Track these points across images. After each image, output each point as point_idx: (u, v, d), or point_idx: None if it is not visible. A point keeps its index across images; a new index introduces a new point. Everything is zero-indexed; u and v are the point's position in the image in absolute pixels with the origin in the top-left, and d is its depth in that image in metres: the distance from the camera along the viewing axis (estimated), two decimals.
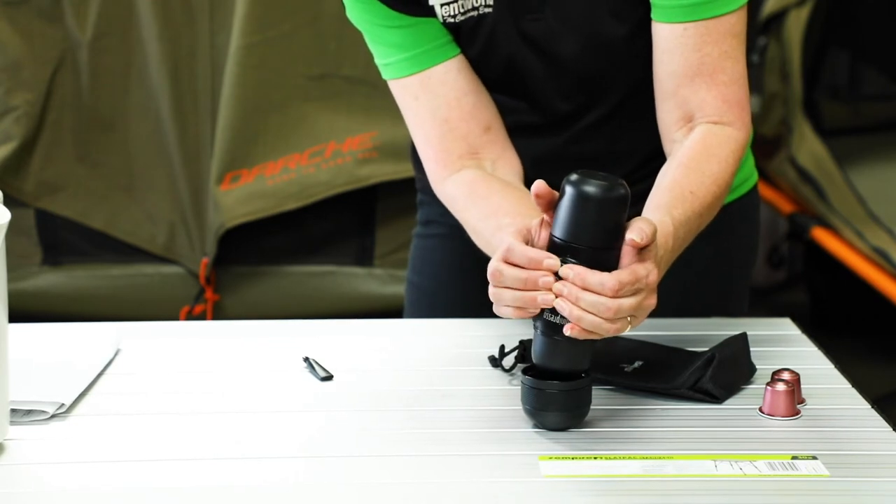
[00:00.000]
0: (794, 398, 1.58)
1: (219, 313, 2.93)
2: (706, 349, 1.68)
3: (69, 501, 1.39)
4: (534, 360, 1.51)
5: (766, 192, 3.54)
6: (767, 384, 1.59)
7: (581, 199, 1.45)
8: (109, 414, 1.59)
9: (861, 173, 3.58)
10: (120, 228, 2.94)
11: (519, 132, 1.84)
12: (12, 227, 1.43)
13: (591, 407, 1.54)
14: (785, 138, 3.61)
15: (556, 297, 1.45)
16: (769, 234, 3.96)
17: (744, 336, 1.72)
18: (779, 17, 3.62)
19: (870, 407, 1.61)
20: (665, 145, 1.77)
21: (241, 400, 1.64)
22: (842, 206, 3.43)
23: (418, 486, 1.42)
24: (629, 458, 1.46)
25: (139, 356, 1.77)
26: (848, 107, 3.94)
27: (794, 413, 1.57)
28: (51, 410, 1.56)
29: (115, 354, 1.76)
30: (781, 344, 1.82)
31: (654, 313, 1.52)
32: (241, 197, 2.85)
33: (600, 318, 1.44)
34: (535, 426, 1.53)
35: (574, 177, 1.46)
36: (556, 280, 1.45)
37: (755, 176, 1.98)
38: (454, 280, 1.99)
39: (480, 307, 1.76)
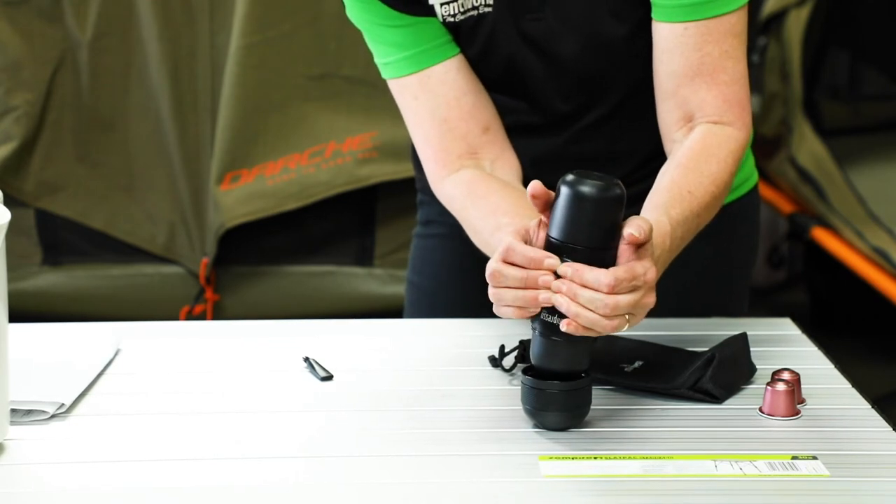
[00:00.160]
0: (794, 398, 1.58)
1: (219, 313, 2.93)
2: (706, 349, 1.68)
3: (69, 501, 1.39)
4: (532, 360, 1.52)
5: (766, 192, 3.54)
6: (767, 384, 1.59)
7: (577, 200, 1.45)
8: (109, 414, 1.59)
9: (861, 173, 3.58)
10: (120, 228, 2.94)
11: (519, 132, 1.84)
12: (12, 227, 1.43)
13: (591, 407, 1.54)
14: (785, 138, 3.61)
15: (555, 293, 1.45)
16: (769, 234, 3.95)
17: (744, 336, 1.72)
18: (779, 17, 3.62)
19: (870, 407, 1.61)
20: (665, 145, 1.77)
21: (241, 400, 1.64)
22: (842, 206, 3.43)
23: (418, 486, 1.42)
24: (629, 458, 1.46)
25: (139, 356, 1.77)
26: (848, 107, 3.94)
27: (794, 413, 1.57)
28: (51, 410, 1.56)
29: (115, 354, 1.76)
30: (781, 344, 1.82)
31: (654, 313, 1.52)
32: (241, 197, 2.85)
33: (597, 314, 1.44)
34: (535, 426, 1.53)
35: (570, 177, 1.46)
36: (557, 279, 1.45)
37: (755, 176, 1.98)
38: (454, 280, 1.99)
39: (480, 307, 1.76)
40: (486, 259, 1.55)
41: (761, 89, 3.63)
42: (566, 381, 1.51)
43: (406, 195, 2.51)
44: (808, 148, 3.56)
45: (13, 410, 1.53)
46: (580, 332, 1.45)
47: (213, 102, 2.87)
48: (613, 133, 1.84)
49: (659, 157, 1.77)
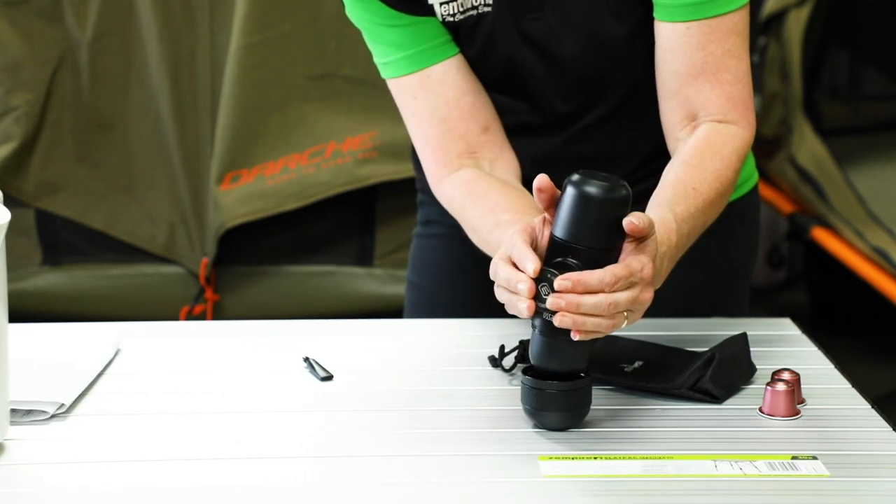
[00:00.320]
0: (794, 398, 1.58)
1: (219, 313, 2.93)
2: (706, 349, 1.68)
3: (69, 501, 1.39)
4: (531, 360, 1.51)
5: (766, 192, 3.54)
6: (767, 384, 1.59)
7: (582, 200, 1.45)
8: (109, 414, 1.59)
9: (861, 173, 3.58)
10: (120, 228, 2.94)
11: (518, 132, 1.84)
12: (12, 227, 1.43)
13: (591, 407, 1.54)
14: (785, 138, 3.61)
15: (556, 310, 1.44)
16: (769, 234, 3.96)
17: (744, 336, 1.72)
18: (779, 17, 3.62)
19: (870, 407, 1.61)
20: (669, 144, 1.77)
21: (241, 400, 1.64)
22: (842, 206, 3.43)
23: (418, 486, 1.42)
24: (629, 458, 1.46)
25: (139, 356, 1.77)
26: (848, 107, 3.94)
27: (794, 413, 1.57)
28: (51, 410, 1.56)
29: (115, 354, 1.76)
30: (781, 344, 1.82)
31: (655, 313, 1.52)
32: (241, 197, 2.85)
33: (598, 316, 1.44)
34: (535, 426, 1.53)
35: (576, 177, 1.46)
36: (537, 281, 1.44)
37: (756, 176, 1.98)
38: (454, 280, 1.99)
39: (480, 307, 1.76)
40: (486, 259, 1.55)
41: (761, 89, 3.63)
42: (566, 381, 1.51)
43: (406, 195, 2.50)
44: (808, 148, 3.56)
45: (13, 410, 1.53)
46: (587, 338, 1.45)
47: (213, 102, 2.87)
48: (613, 133, 1.84)
49: (659, 158, 1.77)
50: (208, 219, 2.89)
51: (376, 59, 1.81)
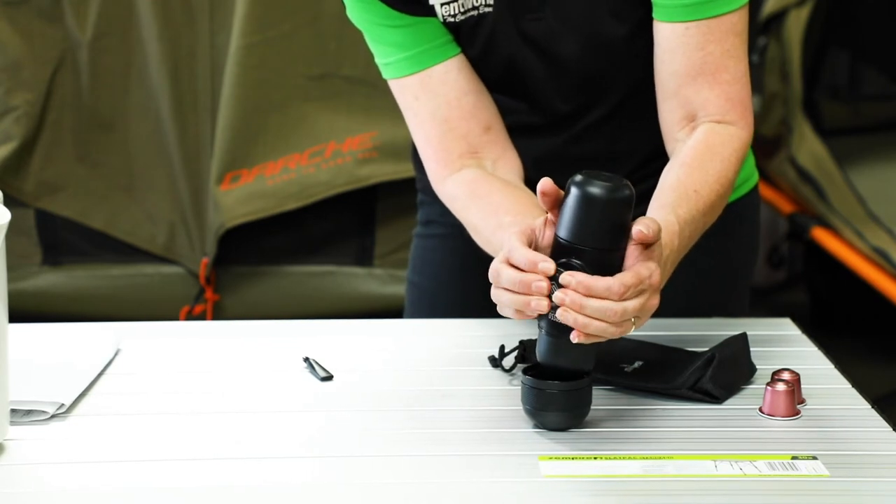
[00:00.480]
0: (794, 398, 1.58)
1: (219, 313, 2.93)
2: (706, 349, 1.68)
3: (69, 501, 1.39)
4: (538, 359, 1.51)
5: (766, 192, 3.54)
6: (767, 384, 1.59)
7: (586, 200, 1.44)
8: (109, 414, 1.59)
9: (861, 173, 3.58)
10: (120, 228, 2.94)
11: (519, 132, 1.84)
12: (12, 227, 1.43)
13: (592, 407, 1.54)
14: (785, 138, 3.61)
15: (559, 305, 1.44)
16: (769, 234, 3.96)
17: (744, 336, 1.72)
18: (779, 17, 3.62)
19: (870, 407, 1.61)
20: (668, 145, 1.77)
21: (241, 400, 1.64)
22: (842, 206, 3.43)
23: (419, 486, 1.42)
24: (629, 458, 1.46)
25: (139, 356, 1.77)
26: (848, 107, 3.94)
27: (794, 413, 1.57)
28: (51, 410, 1.56)
29: (115, 354, 1.76)
30: (781, 344, 1.82)
31: (655, 313, 1.52)
32: (241, 197, 2.85)
33: (606, 322, 1.43)
34: (536, 426, 1.53)
35: (579, 177, 1.45)
36: (552, 282, 1.44)
37: (756, 176, 1.98)
38: (454, 280, 1.99)
39: (481, 307, 1.76)
40: (486, 259, 1.55)
41: (761, 89, 3.63)
42: (566, 381, 1.51)
43: (406, 195, 2.50)
44: (808, 148, 3.56)
45: (13, 410, 1.53)
46: (589, 341, 1.45)
47: (213, 102, 2.87)
48: (613, 133, 1.84)
49: (659, 158, 1.77)
50: (208, 219, 2.89)
51: (378, 60, 1.81)
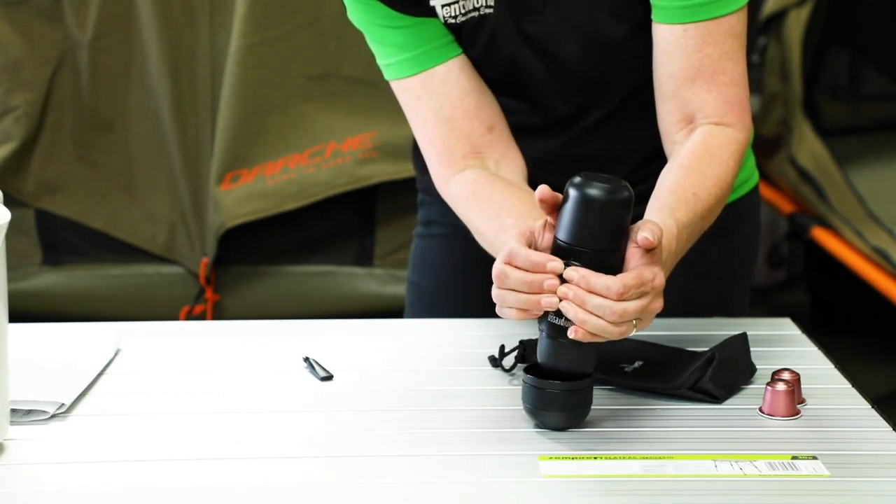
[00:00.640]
0: (794, 398, 1.58)
1: (219, 313, 2.93)
2: (706, 349, 1.68)
3: (69, 501, 1.39)
4: (539, 360, 1.51)
5: (766, 192, 3.54)
6: (767, 384, 1.59)
7: (585, 202, 1.44)
8: (109, 414, 1.59)
9: (861, 173, 3.58)
10: (120, 228, 2.94)
11: (519, 133, 1.83)
12: (12, 227, 1.43)
13: (592, 407, 1.54)
14: (785, 138, 3.61)
15: (561, 300, 1.44)
16: (769, 234, 3.96)
17: (744, 336, 1.72)
18: (779, 17, 3.62)
19: (870, 407, 1.61)
20: (666, 146, 1.77)
21: (241, 400, 1.64)
22: (842, 206, 3.43)
23: (419, 486, 1.42)
24: (629, 458, 1.46)
25: (139, 356, 1.77)
26: (848, 107, 3.94)
27: (794, 413, 1.57)
28: (51, 410, 1.56)
29: (115, 354, 1.76)
30: (781, 344, 1.82)
31: (657, 314, 1.52)
32: (241, 197, 2.85)
33: (605, 321, 1.43)
34: (536, 426, 1.53)
35: (577, 179, 1.45)
36: (561, 283, 1.45)
37: (756, 176, 1.98)
38: (455, 280, 1.99)
39: (481, 307, 1.76)
40: (486, 259, 1.55)
41: (761, 89, 3.63)
42: (567, 381, 1.51)
43: (406, 195, 2.50)
44: (808, 148, 3.56)
45: (13, 410, 1.53)
46: (587, 339, 1.45)
47: (213, 102, 2.87)
48: (613, 134, 1.84)
49: (659, 158, 1.77)
50: (208, 219, 2.89)
51: (379, 61, 1.81)
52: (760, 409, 1.59)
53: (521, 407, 1.54)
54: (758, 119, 3.55)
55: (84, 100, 2.88)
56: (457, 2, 1.74)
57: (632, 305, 1.44)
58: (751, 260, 2.01)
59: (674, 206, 1.60)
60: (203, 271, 2.89)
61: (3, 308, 1.44)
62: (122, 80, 2.88)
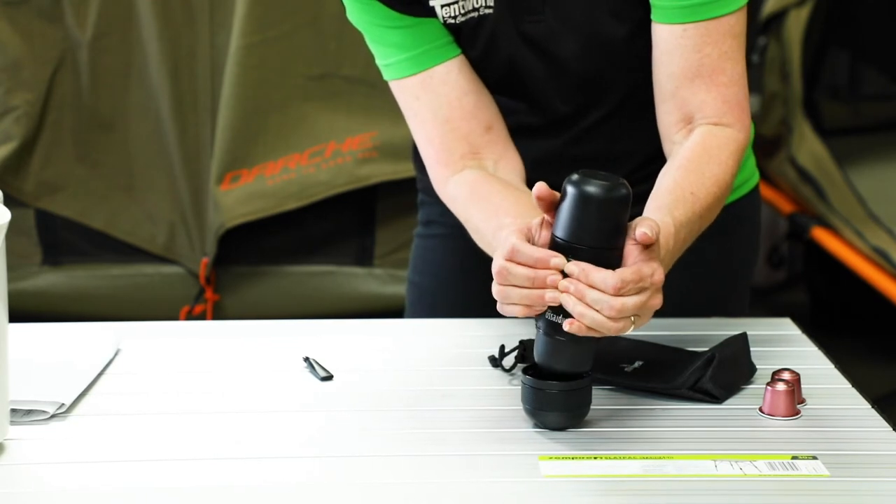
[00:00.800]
0: (794, 398, 1.58)
1: (219, 313, 2.93)
2: (706, 349, 1.68)
3: (69, 501, 1.39)
4: (536, 359, 1.51)
5: (766, 192, 3.53)
6: (767, 384, 1.59)
7: (582, 200, 1.45)
8: (109, 414, 1.59)
9: (861, 173, 3.58)
10: (120, 228, 2.94)
11: (519, 133, 1.83)
12: (12, 227, 1.43)
13: (592, 407, 1.54)
14: (785, 138, 3.61)
15: (563, 292, 1.44)
16: (769, 234, 3.95)
17: (744, 336, 1.72)
18: (779, 17, 3.62)
19: (870, 407, 1.61)
20: (665, 146, 1.77)
21: (241, 400, 1.64)
22: (842, 206, 3.43)
23: (418, 486, 1.42)
24: (629, 458, 1.46)
25: (139, 356, 1.77)
26: (848, 107, 3.94)
27: (794, 413, 1.57)
28: (51, 410, 1.56)
29: (115, 354, 1.76)
30: (781, 344, 1.82)
31: (657, 313, 1.52)
32: (241, 197, 2.85)
33: (603, 315, 1.44)
34: (536, 426, 1.53)
35: (575, 177, 1.46)
36: (564, 278, 1.45)
37: (756, 176, 1.98)
38: (455, 280, 1.99)
39: (481, 307, 1.76)
40: (486, 259, 1.55)
41: (761, 89, 3.63)
42: (566, 381, 1.51)
43: (406, 195, 2.50)
44: (808, 148, 3.56)
45: (13, 410, 1.53)
46: (584, 333, 1.45)
47: (213, 102, 2.87)
48: (613, 134, 1.84)
49: (659, 159, 1.77)
50: (208, 219, 2.89)
51: (378, 61, 1.81)
52: (760, 409, 1.59)
53: (521, 407, 1.54)
54: (758, 119, 3.55)
55: (84, 100, 2.88)
56: (456, 2, 1.74)
57: (630, 301, 1.44)
58: (751, 260, 2.01)
59: (671, 205, 1.60)
60: (203, 271, 2.89)
61: (3, 308, 1.44)
62: (122, 80, 2.88)
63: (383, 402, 1.63)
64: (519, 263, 1.46)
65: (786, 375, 1.60)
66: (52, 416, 1.56)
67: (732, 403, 1.61)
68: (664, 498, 1.39)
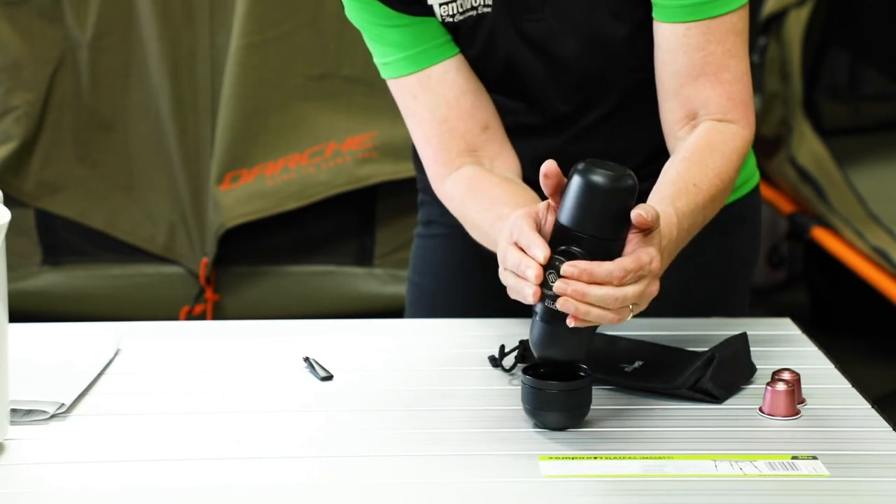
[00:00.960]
0: (794, 398, 1.58)
1: (219, 313, 2.93)
2: (706, 349, 1.68)
3: (69, 501, 1.39)
4: (531, 348, 1.51)
5: (766, 192, 3.53)
6: (767, 384, 1.59)
7: (588, 188, 1.44)
8: (109, 414, 1.59)
9: (861, 173, 3.58)
10: (120, 228, 2.94)
11: (518, 133, 1.84)
12: (12, 227, 1.43)
13: (592, 407, 1.54)
14: (785, 138, 3.61)
15: (561, 295, 1.44)
16: (769, 234, 3.95)
17: (744, 336, 1.72)
18: (779, 17, 3.62)
19: (870, 407, 1.61)
20: (669, 143, 1.77)
21: (241, 400, 1.64)
22: (842, 206, 3.43)
23: (418, 486, 1.42)
24: (629, 458, 1.46)
25: (139, 356, 1.77)
26: (848, 107, 3.94)
27: (794, 413, 1.57)
28: (51, 410, 1.56)
29: (115, 354, 1.76)
30: (781, 344, 1.82)
31: (656, 313, 1.52)
32: (241, 197, 2.85)
33: (606, 309, 1.44)
34: (535, 426, 1.53)
35: (582, 165, 1.45)
36: (551, 270, 1.44)
37: (757, 176, 1.98)
38: (455, 280, 1.99)
39: (481, 307, 1.76)
40: (487, 259, 1.55)
41: (761, 89, 3.63)
42: (566, 381, 1.51)
43: (406, 195, 2.50)
44: (808, 148, 3.56)
45: (13, 410, 1.53)
46: (585, 325, 1.45)
47: (213, 102, 2.87)
48: (613, 133, 1.84)
49: (659, 158, 1.77)
50: (208, 219, 2.89)
51: (376, 60, 1.81)
52: (760, 409, 1.58)
53: (521, 407, 1.54)
54: (758, 119, 3.52)
55: (84, 100, 2.88)
56: (454, 1, 1.74)
57: (630, 290, 1.44)
58: (751, 260, 2.01)
59: (674, 196, 1.60)
60: (203, 271, 2.89)
61: (3, 308, 1.44)
62: (122, 80, 2.88)
63: (383, 402, 1.63)
64: (518, 247, 1.46)
65: (786, 375, 1.60)
66: (52, 416, 1.56)
67: (732, 403, 1.61)
68: (664, 498, 1.39)
